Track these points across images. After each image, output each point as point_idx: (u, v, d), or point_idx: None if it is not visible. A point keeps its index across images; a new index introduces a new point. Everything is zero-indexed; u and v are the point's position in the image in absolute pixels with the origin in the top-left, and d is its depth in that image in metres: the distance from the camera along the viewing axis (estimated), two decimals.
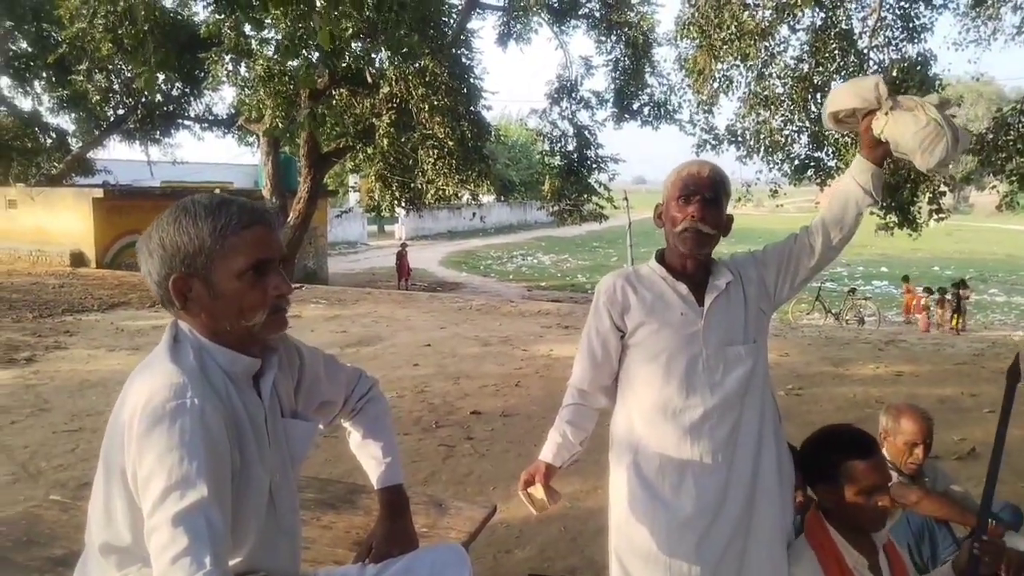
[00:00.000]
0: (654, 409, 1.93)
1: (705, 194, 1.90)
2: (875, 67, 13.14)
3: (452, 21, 15.54)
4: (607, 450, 2.10)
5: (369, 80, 14.50)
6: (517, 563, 3.39)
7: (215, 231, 1.36)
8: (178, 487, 1.22)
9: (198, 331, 1.42)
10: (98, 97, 18.23)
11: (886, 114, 1.83)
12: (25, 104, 21.91)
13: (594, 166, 17.05)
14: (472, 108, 15.56)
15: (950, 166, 1.89)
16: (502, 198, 28.90)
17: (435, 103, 14.13)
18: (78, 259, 16.01)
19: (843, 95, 1.92)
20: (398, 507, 1.79)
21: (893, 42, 13.07)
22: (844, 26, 13.02)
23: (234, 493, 1.36)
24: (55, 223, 17.16)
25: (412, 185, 16.24)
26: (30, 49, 20.33)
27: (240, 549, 1.45)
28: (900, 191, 13.23)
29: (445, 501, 2.52)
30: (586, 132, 16.98)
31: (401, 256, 21.26)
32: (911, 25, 12.80)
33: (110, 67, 17.39)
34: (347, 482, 2.77)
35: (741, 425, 1.92)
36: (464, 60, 15.58)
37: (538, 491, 2.01)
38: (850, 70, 13.10)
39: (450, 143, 14.73)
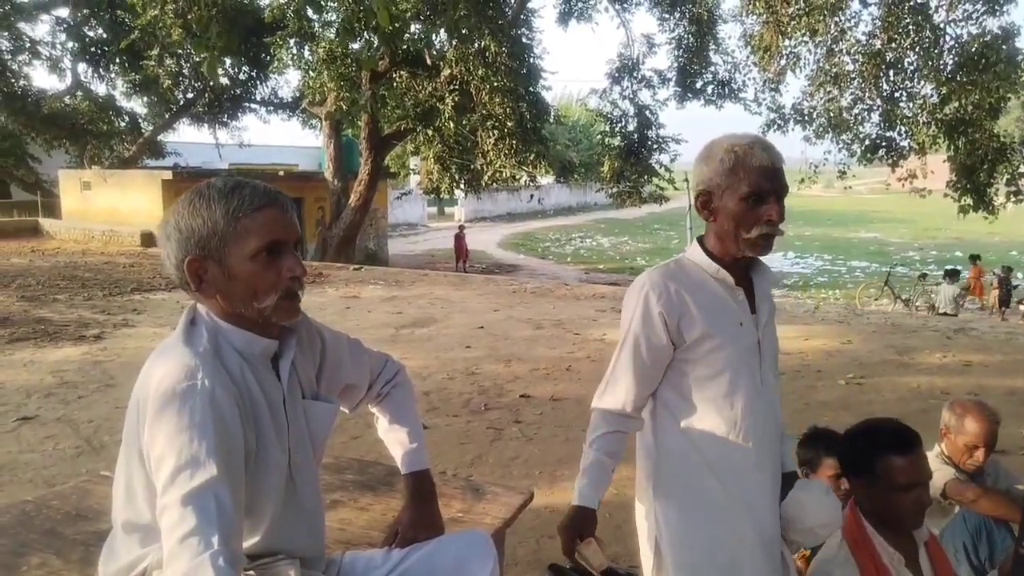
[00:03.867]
0: (716, 435, 1.71)
1: (781, 190, 1.65)
2: (952, 42, 12.58)
3: (512, 0, 15.44)
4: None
5: (429, 62, 14.55)
6: (560, 548, 3.37)
7: (228, 213, 1.37)
8: (188, 467, 1.23)
9: (215, 313, 1.43)
10: (169, 81, 18.79)
11: None
12: (100, 89, 22.70)
13: (655, 147, 16.81)
14: (531, 88, 15.47)
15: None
16: (562, 179, 28.76)
17: (495, 84, 14.09)
18: (148, 239, 16.53)
19: None
20: (424, 493, 1.78)
21: (972, 15, 12.45)
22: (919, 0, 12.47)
23: (250, 474, 1.37)
24: (127, 204, 17.77)
25: (471, 167, 16.28)
26: (105, 35, 21.01)
27: (257, 529, 1.46)
28: (976, 172, 12.68)
29: (482, 486, 2.50)
30: (647, 112, 16.74)
31: (459, 238, 21.35)
32: None
33: (180, 52, 17.87)
34: (387, 464, 2.77)
35: (778, 446, 1.82)
36: (524, 40, 15.48)
37: (592, 546, 1.72)
38: (925, 46, 12.57)
39: (509, 124, 14.69)
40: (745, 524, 1.73)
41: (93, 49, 21.39)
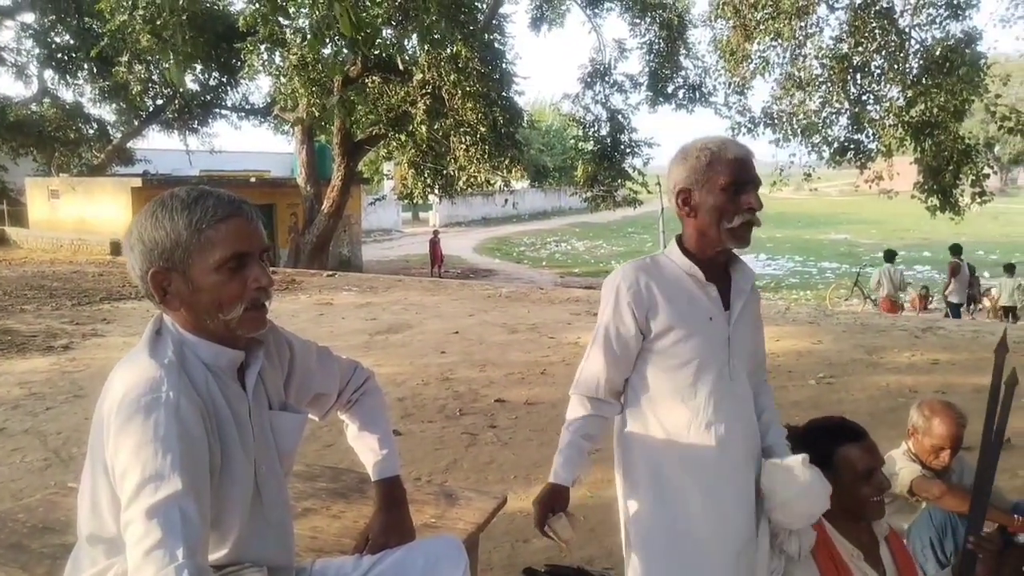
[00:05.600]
0: (680, 423, 1.78)
1: (758, 180, 1.75)
2: (917, 46, 12.80)
3: (484, 6, 15.47)
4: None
5: (401, 67, 14.53)
6: (535, 552, 3.37)
7: (191, 225, 1.35)
8: (152, 480, 1.22)
9: (180, 325, 1.42)
10: (138, 88, 18.54)
11: None
12: (67, 95, 22.38)
13: (628, 151, 16.92)
14: (504, 94, 15.51)
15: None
16: (536, 184, 28.82)
17: (467, 89, 14.10)
18: (117, 248, 16.32)
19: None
20: (395, 499, 1.78)
21: (936, 20, 12.69)
22: (885, 4, 12.68)
23: (216, 486, 1.36)
24: (96, 212, 17.55)
25: (445, 172, 16.27)
26: (72, 41, 20.71)
27: (225, 541, 1.45)
28: (942, 174, 12.91)
29: (455, 491, 2.50)
30: (619, 116, 16.86)
31: (434, 243, 21.32)
32: (955, 2, 12.40)
33: (149, 58, 17.68)
34: (360, 472, 2.76)
35: (753, 436, 1.84)
36: (496, 45, 15.51)
37: (562, 520, 1.80)
38: (891, 49, 12.78)
39: (482, 129, 14.72)
40: (708, 510, 1.77)
41: (60, 55, 21.08)
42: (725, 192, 1.71)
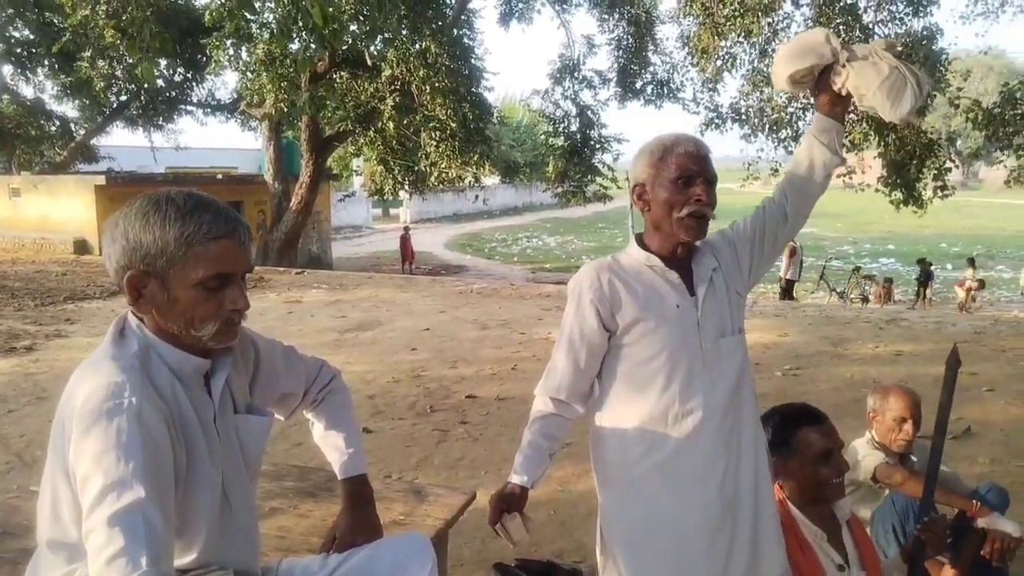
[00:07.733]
0: (652, 416, 1.75)
1: (708, 175, 1.74)
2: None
3: (452, 1, 15.41)
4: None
5: (369, 63, 14.43)
6: (505, 547, 3.34)
7: (181, 237, 1.32)
8: (115, 488, 1.20)
9: (148, 327, 1.40)
10: (102, 84, 18.18)
11: (843, 66, 1.77)
12: (27, 91, 21.91)
13: (597, 146, 16.93)
14: (474, 89, 15.46)
15: (915, 115, 1.83)
16: (507, 180, 28.84)
17: (436, 85, 14.04)
18: (81, 247, 16.06)
19: (796, 54, 1.82)
20: (362, 497, 1.77)
21: (898, 16, 12.88)
22: (849, 0, 12.84)
23: (182, 492, 1.34)
24: (58, 211, 17.20)
25: (414, 168, 16.19)
26: (32, 36, 20.28)
27: (192, 546, 1.44)
28: (905, 168, 13.11)
29: (424, 488, 2.51)
30: (589, 112, 16.86)
31: (405, 239, 21.22)
32: None
33: (112, 54, 17.36)
34: (328, 470, 2.74)
35: (741, 420, 1.80)
36: (466, 41, 15.46)
37: (515, 520, 1.79)
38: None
39: (452, 125, 14.66)
40: (683, 501, 1.74)
41: (19, 51, 20.62)
42: (674, 184, 1.73)
